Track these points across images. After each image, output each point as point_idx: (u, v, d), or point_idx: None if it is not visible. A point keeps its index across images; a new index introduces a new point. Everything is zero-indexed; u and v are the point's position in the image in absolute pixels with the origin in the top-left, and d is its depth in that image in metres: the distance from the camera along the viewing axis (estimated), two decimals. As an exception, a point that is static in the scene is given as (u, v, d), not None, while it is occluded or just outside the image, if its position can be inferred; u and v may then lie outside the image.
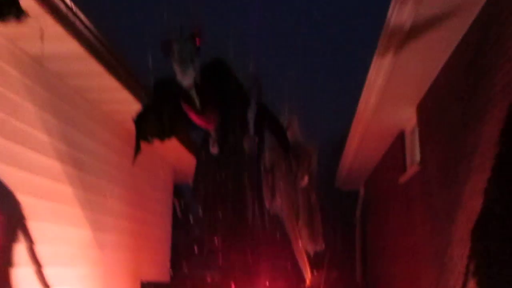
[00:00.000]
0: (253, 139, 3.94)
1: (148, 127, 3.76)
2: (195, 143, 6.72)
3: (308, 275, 5.11)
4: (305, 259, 5.14)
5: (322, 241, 5.22)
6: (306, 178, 5.06)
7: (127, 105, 5.24)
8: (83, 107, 5.14)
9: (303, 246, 5.23)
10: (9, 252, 3.90)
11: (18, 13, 3.15)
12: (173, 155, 7.47)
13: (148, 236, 6.96)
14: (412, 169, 6.10)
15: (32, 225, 4.16)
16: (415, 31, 4.18)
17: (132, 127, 3.80)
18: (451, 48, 4.47)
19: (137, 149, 3.79)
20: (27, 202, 4.12)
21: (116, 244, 5.86)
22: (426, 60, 4.72)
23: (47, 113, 4.46)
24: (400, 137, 6.82)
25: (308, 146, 5.27)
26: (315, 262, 5.56)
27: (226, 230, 3.96)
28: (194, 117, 3.64)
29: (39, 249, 4.24)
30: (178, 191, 8.97)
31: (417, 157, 6.03)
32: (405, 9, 3.92)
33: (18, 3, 3.16)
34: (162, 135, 3.81)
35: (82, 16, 3.93)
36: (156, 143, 3.87)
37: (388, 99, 5.60)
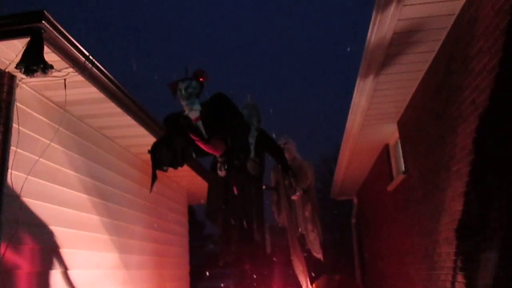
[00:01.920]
0: (254, 161, 3.94)
1: (162, 157, 3.80)
2: (205, 168, 6.79)
3: (305, 284, 5.07)
4: (303, 267, 5.12)
5: (321, 248, 5.23)
6: (299, 192, 5.09)
7: (142, 139, 5.31)
8: (103, 143, 5.18)
9: (311, 250, 5.23)
10: (46, 278, 3.89)
11: (44, 68, 3.22)
12: (186, 179, 7.50)
13: (169, 254, 6.93)
14: (398, 178, 6.11)
15: (65, 253, 4.17)
16: (391, 56, 4.26)
17: (148, 158, 3.85)
18: (424, 70, 4.54)
19: (154, 177, 3.83)
20: (59, 232, 4.13)
21: (141, 263, 5.84)
22: (403, 81, 4.78)
23: (72, 152, 4.50)
24: (386, 150, 6.84)
25: (305, 164, 5.35)
26: (318, 267, 5.54)
27: (237, 242, 3.93)
28: (202, 146, 3.70)
29: (72, 273, 4.23)
30: (192, 211, 8.95)
31: (402, 167, 6.05)
32: (381, 37, 3.98)
33: (44, 59, 3.24)
34: (175, 164, 3.84)
35: (98, 64, 4.01)
36: (170, 170, 3.92)
37: (372, 117, 5.65)
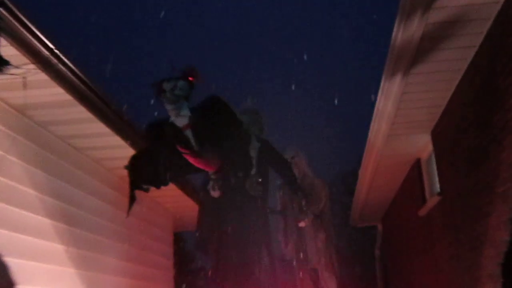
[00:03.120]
0: (256, 179, 3.97)
1: (143, 173, 3.80)
2: (195, 187, 6.79)
3: None
4: None
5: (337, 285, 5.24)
6: (309, 217, 5.13)
7: (119, 151, 5.33)
8: (71, 156, 5.21)
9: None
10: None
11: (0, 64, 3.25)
12: (172, 201, 7.50)
13: None
14: (432, 201, 6.12)
15: (22, 290, 4.17)
16: (422, 52, 4.29)
17: (125, 174, 3.85)
18: (463, 69, 4.57)
19: (132, 198, 3.82)
20: (14, 265, 4.13)
21: None
22: (437, 82, 4.81)
23: (32, 165, 4.52)
24: (417, 166, 6.86)
25: (318, 182, 5.39)
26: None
27: (234, 279, 3.92)
28: (192, 160, 3.69)
29: (30, 315, 4.23)
30: (179, 239, 8.95)
31: (437, 187, 6.06)
32: (410, 30, 4.01)
33: None
34: (158, 182, 3.84)
35: (66, 60, 4.03)
36: (153, 190, 3.91)
37: (400, 126, 5.67)
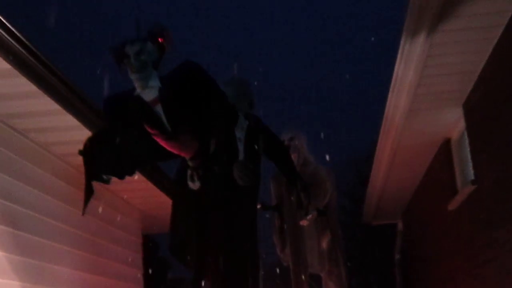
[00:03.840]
0: (245, 167, 3.97)
1: (102, 160, 3.83)
2: (169, 178, 6.79)
3: None
4: None
5: None
6: (312, 214, 5.20)
7: (71, 133, 5.29)
8: (10, 140, 5.16)
9: None
10: None
11: None
12: (141, 196, 7.49)
13: None
14: (464, 191, 6.15)
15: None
16: (451, 4, 4.27)
17: (80, 162, 3.86)
18: (503, 24, 4.55)
19: (88, 192, 3.83)
20: None
21: None
22: (470, 42, 4.82)
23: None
24: (445, 149, 6.88)
25: (322, 170, 5.45)
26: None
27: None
28: (164, 143, 3.71)
29: None
30: (151, 243, 8.96)
31: (470, 173, 6.08)
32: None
33: None
34: (122, 171, 3.86)
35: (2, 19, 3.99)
36: (115, 182, 3.93)
37: (424, 98, 5.69)
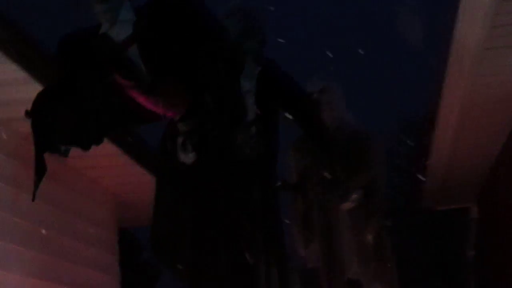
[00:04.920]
0: (254, 130, 3.98)
1: (57, 125, 3.85)
2: (151, 150, 6.81)
3: None
4: None
5: None
6: (355, 195, 5.22)
7: (16, 89, 5.32)
8: None
9: None
10: None
11: None
12: (113, 174, 7.58)
13: None
14: None
15: None
16: None
17: (28, 130, 3.90)
18: None
19: (40, 169, 3.85)
20: None
21: None
22: None
23: None
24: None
25: (363, 135, 5.48)
26: None
27: None
28: (142, 100, 3.75)
29: None
30: (127, 239, 9.01)
31: None
32: None
33: None
34: (85, 139, 3.90)
35: None
36: (77, 156, 4.04)
37: (504, 30, 5.63)
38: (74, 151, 3.94)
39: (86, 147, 3.92)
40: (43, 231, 6.47)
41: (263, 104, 4.23)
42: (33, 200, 3.92)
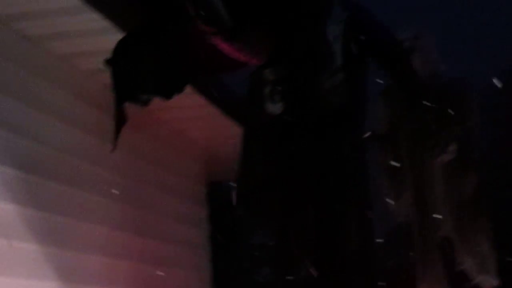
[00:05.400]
0: (342, 77, 3.94)
1: (138, 74, 3.94)
2: (238, 100, 6.76)
3: None
4: None
5: (495, 270, 5.30)
6: (452, 147, 5.16)
7: (95, 39, 5.32)
8: (16, 49, 5.20)
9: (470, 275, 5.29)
10: None
11: None
12: (201, 126, 7.60)
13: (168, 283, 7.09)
14: None
15: None
16: None
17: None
18: None
19: (120, 118, 3.97)
20: None
21: None
22: None
23: None
24: None
25: (459, 85, 5.50)
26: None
27: (302, 255, 4.01)
28: (224, 46, 3.76)
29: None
30: (217, 192, 9.07)
31: None
32: None
33: None
34: (167, 87, 3.95)
35: None
36: (162, 106, 4.24)
37: None
38: (160, 103, 3.99)
39: (168, 95, 4.00)
40: (130, 183, 6.56)
41: (351, 50, 4.18)
42: (113, 150, 4.01)
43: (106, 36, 5.17)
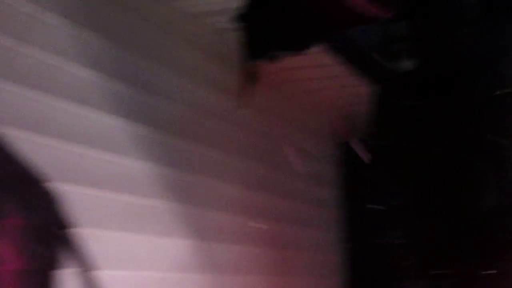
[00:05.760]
0: (476, 31, 3.81)
1: (270, 30, 3.89)
2: (368, 58, 6.66)
3: None
4: None
5: None
6: None
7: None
8: (145, 4, 5.20)
9: None
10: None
11: None
12: (331, 87, 7.49)
13: (295, 257, 7.13)
14: None
15: (83, 236, 4.36)
16: None
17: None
18: None
19: (252, 74, 3.97)
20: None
21: (237, 263, 6.14)
22: None
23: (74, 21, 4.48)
24: None
25: None
26: None
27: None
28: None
29: (100, 276, 4.42)
30: (347, 152, 9.01)
31: None
32: None
33: None
34: (295, 43, 3.90)
35: None
36: (291, 66, 4.26)
37: None
38: (291, 62, 3.96)
39: (295, 51, 3.96)
40: (261, 141, 6.60)
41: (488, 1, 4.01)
42: (243, 108, 4.02)
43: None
